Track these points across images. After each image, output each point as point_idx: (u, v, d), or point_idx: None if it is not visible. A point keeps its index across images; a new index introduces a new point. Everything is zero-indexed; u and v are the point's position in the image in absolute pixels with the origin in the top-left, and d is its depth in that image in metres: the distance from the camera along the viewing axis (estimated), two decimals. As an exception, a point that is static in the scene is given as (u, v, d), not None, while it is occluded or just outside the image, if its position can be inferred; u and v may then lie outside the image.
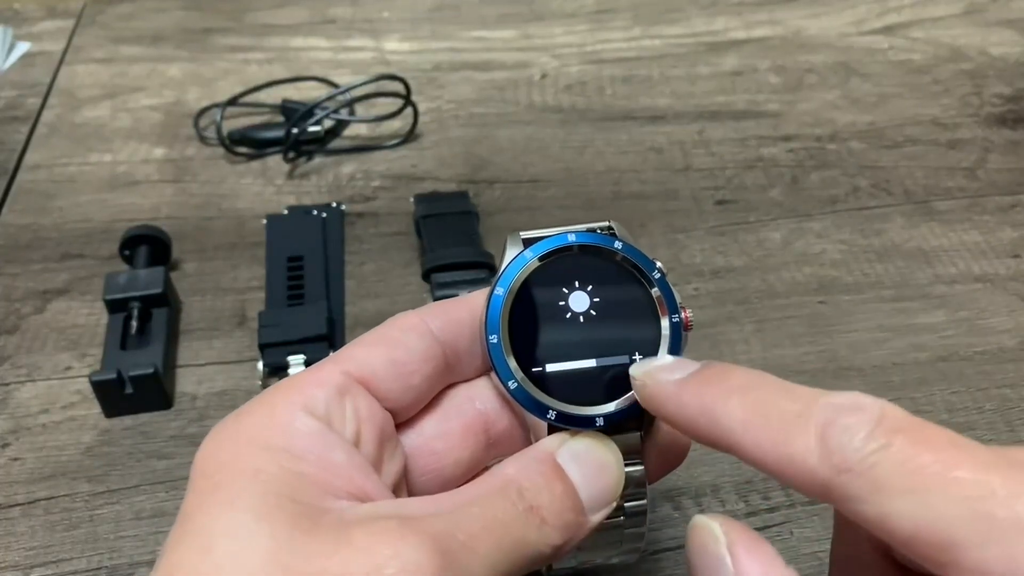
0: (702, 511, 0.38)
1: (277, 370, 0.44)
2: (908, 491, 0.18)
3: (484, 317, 0.26)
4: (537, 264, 0.27)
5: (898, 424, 0.19)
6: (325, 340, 0.44)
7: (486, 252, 0.48)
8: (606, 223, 0.28)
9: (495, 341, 0.25)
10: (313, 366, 0.25)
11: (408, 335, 0.26)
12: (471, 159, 0.59)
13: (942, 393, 0.43)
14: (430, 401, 0.27)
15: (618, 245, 0.27)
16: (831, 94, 0.65)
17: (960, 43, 0.70)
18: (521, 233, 0.27)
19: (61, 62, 0.70)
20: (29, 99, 0.65)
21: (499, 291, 0.26)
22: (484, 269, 0.47)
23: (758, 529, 0.37)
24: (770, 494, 0.39)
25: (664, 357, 0.25)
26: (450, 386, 0.27)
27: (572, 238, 0.27)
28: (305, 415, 0.23)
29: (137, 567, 0.37)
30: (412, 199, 0.53)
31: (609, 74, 0.68)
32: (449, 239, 0.49)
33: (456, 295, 0.45)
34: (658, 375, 0.23)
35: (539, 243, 0.27)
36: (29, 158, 0.60)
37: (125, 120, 0.63)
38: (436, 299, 0.45)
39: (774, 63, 0.68)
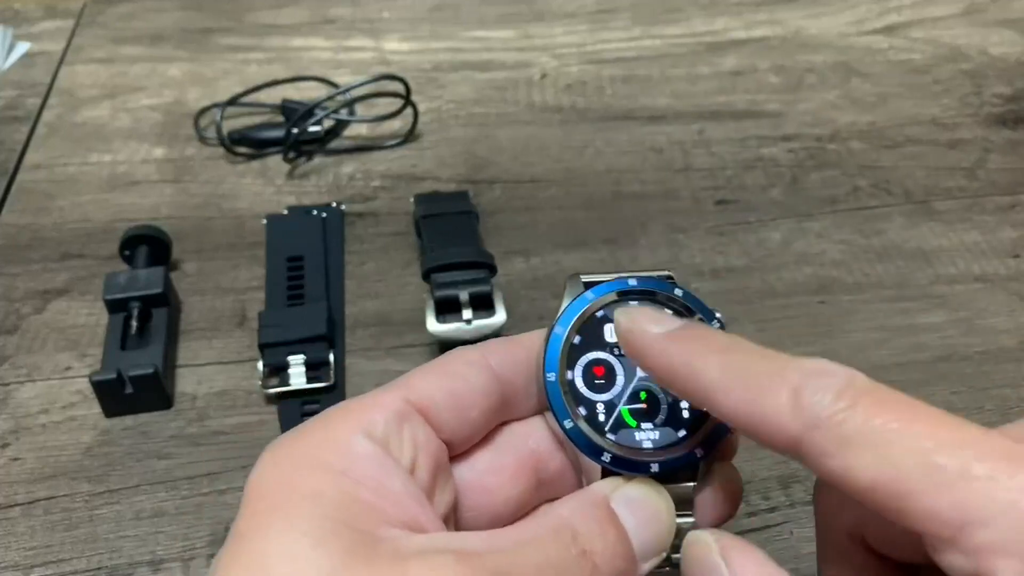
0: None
1: (277, 370, 0.44)
2: (869, 445, 0.19)
3: (543, 355, 0.26)
4: (597, 306, 0.27)
5: (863, 388, 0.20)
6: (325, 340, 0.44)
7: (486, 252, 0.48)
8: (665, 272, 0.28)
9: (552, 379, 0.25)
10: (373, 391, 0.25)
11: (469, 369, 0.25)
12: (471, 159, 0.59)
13: (942, 393, 0.43)
14: (484, 437, 0.26)
15: (678, 292, 0.27)
16: (831, 94, 0.65)
17: (960, 43, 0.70)
18: (582, 276, 0.27)
19: (61, 62, 0.70)
20: (29, 99, 0.65)
21: (559, 331, 0.26)
22: (484, 269, 0.46)
23: (758, 529, 0.38)
24: (770, 494, 0.39)
25: (645, 308, 0.26)
26: (504, 423, 0.27)
27: (632, 283, 0.27)
28: (364, 438, 0.23)
29: (137, 567, 0.37)
30: (412, 199, 0.53)
31: (609, 74, 0.68)
32: (449, 239, 0.49)
33: (456, 295, 0.45)
34: (643, 323, 0.24)
35: (600, 286, 0.27)
36: (29, 158, 0.60)
37: (125, 120, 0.63)
38: (436, 299, 0.45)
39: (774, 63, 0.68)
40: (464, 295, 0.45)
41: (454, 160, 0.59)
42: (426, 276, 0.47)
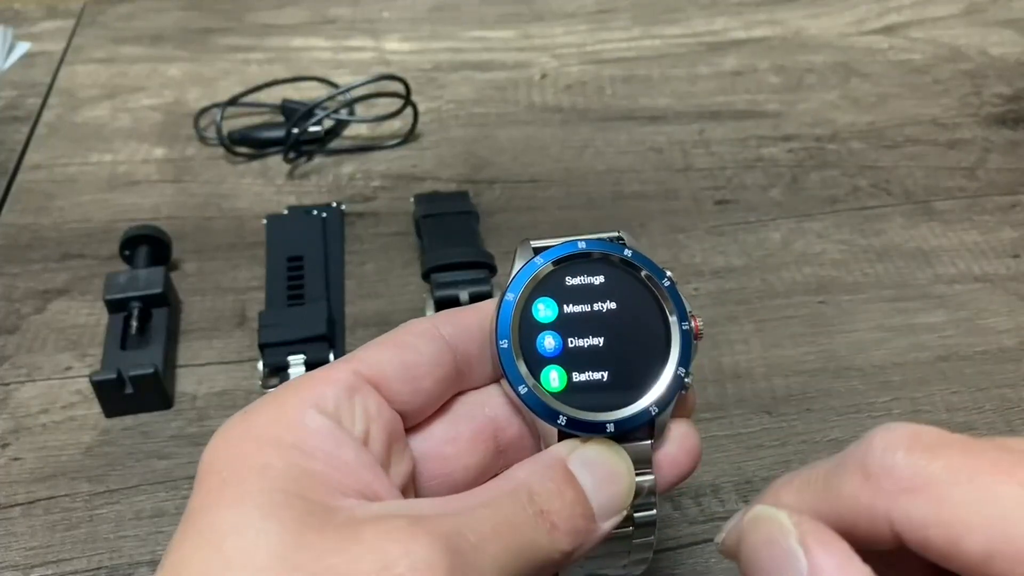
0: (702, 511, 0.38)
1: (277, 370, 0.44)
2: (976, 502, 0.17)
3: (495, 322, 0.26)
4: (547, 271, 0.27)
5: (935, 438, 0.18)
6: (325, 340, 0.44)
7: (486, 252, 0.48)
8: (616, 232, 0.28)
9: (505, 346, 0.26)
10: (324, 366, 0.25)
11: (419, 339, 0.26)
12: (471, 159, 0.59)
13: (942, 393, 0.43)
14: (440, 407, 0.27)
15: (628, 253, 0.27)
16: (831, 94, 0.65)
17: (960, 43, 0.70)
18: (532, 242, 0.27)
19: (61, 62, 0.70)
20: (29, 99, 0.65)
21: (510, 297, 0.26)
22: (484, 269, 0.47)
23: (758, 529, 0.38)
24: (770, 494, 0.39)
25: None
26: (460, 393, 0.27)
27: (582, 245, 0.27)
28: (315, 412, 0.23)
29: (137, 567, 0.37)
30: (412, 199, 0.53)
31: (609, 74, 0.68)
32: (449, 239, 0.49)
33: (456, 295, 0.45)
34: (726, 527, 0.24)
35: (549, 250, 0.27)
36: (29, 158, 0.60)
37: (125, 120, 0.63)
38: (436, 299, 0.45)
39: (774, 63, 0.68)
40: (464, 295, 0.45)
41: (454, 160, 0.59)
42: (426, 276, 0.47)
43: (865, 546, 0.19)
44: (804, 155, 0.59)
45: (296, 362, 0.43)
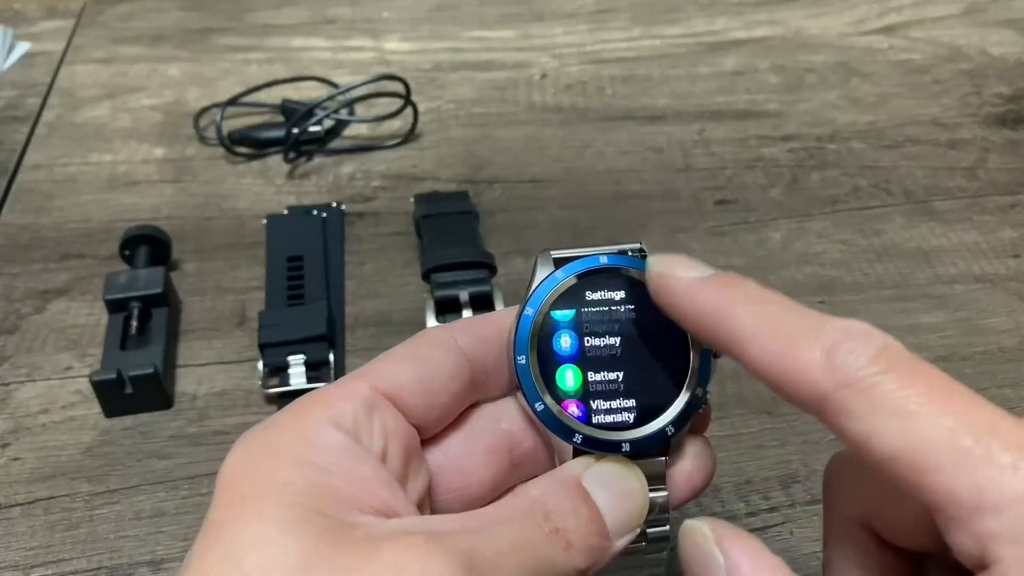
0: (702, 511, 0.38)
1: (277, 370, 0.44)
2: (897, 413, 0.19)
3: (513, 337, 0.26)
4: (568, 285, 0.26)
5: (900, 356, 0.20)
6: (325, 340, 0.44)
7: (486, 252, 0.48)
8: (637, 244, 0.28)
9: (523, 362, 0.25)
10: (341, 379, 0.25)
11: (436, 351, 0.25)
12: (471, 159, 0.59)
13: (942, 393, 0.43)
14: (456, 419, 0.26)
15: None
16: (831, 94, 0.65)
17: (960, 43, 0.70)
18: (552, 252, 0.27)
19: (61, 62, 0.70)
20: (29, 99, 0.65)
21: (528, 311, 0.26)
22: (484, 269, 0.47)
23: (758, 529, 0.38)
24: (770, 494, 0.39)
25: (679, 255, 0.25)
26: (475, 404, 0.27)
27: (604, 260, 0.27)
28: (333, 429, 0.23)
29: (137, 567, 0.37)
30: (412, 199, 0.53)
31: (609, 74, 0.68)
32: (449, 239, 0.49)
33: (456, 295, 0.45)
34: (676, 270, 0.24)
35: (570, 264, 0.27)
36: (29, 158, 0.60)
37: (125, 120, 0.63)
38: (436, 299, 0.45)
39: (774, 63, 0.68)
40: (464, 295, 0.45)
41: (454, 160, 0.59)
42: (426, 276, 0.47)
43: (785, 396, 0.22)
44: (804, 155, 0.59)
45: (296, 362, 0.43)
